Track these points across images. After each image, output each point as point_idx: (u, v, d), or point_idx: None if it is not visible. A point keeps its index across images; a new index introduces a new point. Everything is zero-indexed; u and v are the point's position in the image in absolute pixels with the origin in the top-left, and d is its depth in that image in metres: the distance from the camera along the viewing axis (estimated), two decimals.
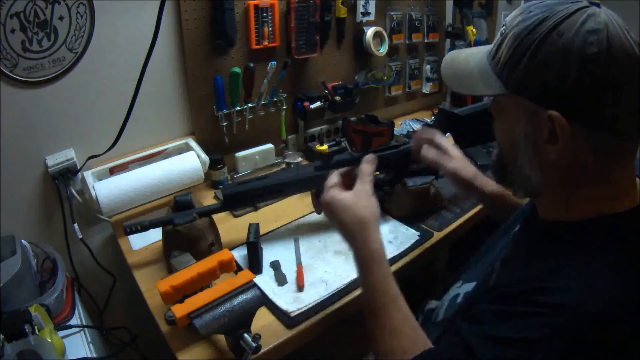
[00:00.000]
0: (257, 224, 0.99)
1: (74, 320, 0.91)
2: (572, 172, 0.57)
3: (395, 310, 0.66)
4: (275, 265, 0.96)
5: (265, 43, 1.29)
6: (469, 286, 0.76)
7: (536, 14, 0.55)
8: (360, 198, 0.72)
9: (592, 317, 0.49)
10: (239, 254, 0.99)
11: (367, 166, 0.77)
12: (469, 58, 0.66)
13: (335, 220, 0.74)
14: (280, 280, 0.92)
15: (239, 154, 1.32)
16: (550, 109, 0.53)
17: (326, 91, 1.45)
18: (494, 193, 0.92)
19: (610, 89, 0.51)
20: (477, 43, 1.70)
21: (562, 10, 0.53)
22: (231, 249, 1.00)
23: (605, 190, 0.58)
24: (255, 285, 0.76)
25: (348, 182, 0.77)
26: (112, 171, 1.17)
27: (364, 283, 0.70)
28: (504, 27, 0.59)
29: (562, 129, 0.53)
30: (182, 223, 0.91)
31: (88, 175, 1.11)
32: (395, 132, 1.52)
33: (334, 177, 0.78)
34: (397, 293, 0.68)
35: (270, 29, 1.28)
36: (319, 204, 0.83)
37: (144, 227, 0.94)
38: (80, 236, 1.13)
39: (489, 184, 0.93)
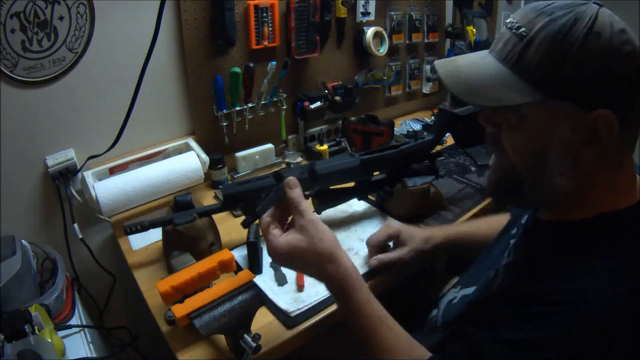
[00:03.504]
0: (257, 224, 0.99)
1: (74, 320, 0.91)
2: (599, 169, 0.57)
3: (386, 330, 0.64)
4: (275, 266, 0.96)
5: (265, 43, 1.29)
6: (467, 290, 0.76)
7: (563, 16, 0.53)
8: (311, 232, 0.64)
9: (607, 314, 0.49)
10: (239, 254, 0.99)
11: (295, 192, 0.66)
12: (476, 66, 0.60)
13: (297, 266, 0.68)
14: (280, 280, 0.92)
15: (239, 154, 1.32)
16: (593, 109, 0.53)
17: (326, 91, 1.45)
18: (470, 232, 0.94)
19: None
20: (477, 43, 1.70)
21: (588, 11, 0.53)
22: (231, 249, 1.00)
23: (615, 184, 0.58)
24: (255, 285, 0.76)
25: (280, 215, 0.69)
26: (112, 171, 1.17)
27: (348, 311, 0.66)
28: (522, 29, 0.55)
29: (609, 127, 0.53)
30: (182, 223, 0.91)
31: (88, 175, 1.11)
32: (395, 132, 1.52)
33: (267, 219, 0.67)
34: (383, 312, 0.66)
35: (270, 29, 1.28)
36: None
37: (144, 227, 0.94)
38: (80, 236, 1.13)
39: (458, 229, 0.95)
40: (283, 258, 0.66)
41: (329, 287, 0.68)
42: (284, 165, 1.38)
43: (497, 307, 0.57)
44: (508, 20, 0.59)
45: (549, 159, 0.57)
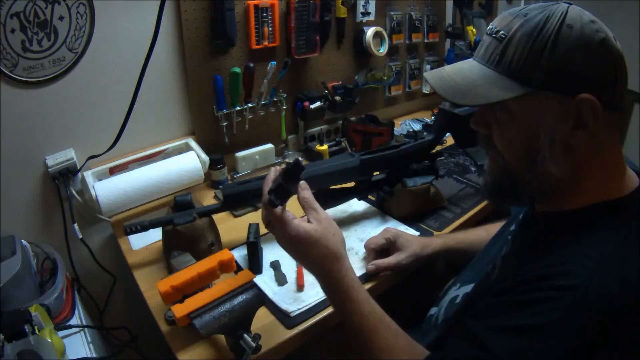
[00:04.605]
0: (257, 224, 0.99)
1: (74, 320, 0.91)
2: (590, 155, 0.58)
3: (385, 329, 0.65)
4: (275, 265, 0.96)
5: (265, 43, 1.29)
6: (467, 288, 0.76)
7: (537, 15, 0.57)
8: (325, 225, 0.68)
9: (604, 298, 0.49)
10: (239, 254, 0.99)
11: (307, 192, 0.71)
12: (462, 71, 0.63)
13: (300, 254, 0.69)
14: (280, 280, 0.92)
15: (239, 154, 1.32)
16: (575, 95, 0.55)
17: (326, 91, 1.45)
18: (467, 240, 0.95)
19: (617, 67, 0.56)
20: (477, 43, 1.69)
21: (559, 9, 0.57)
22: (231, 249, 1.00)
23: (606, 172, 0.59)
24: (255, 285, 0.76)
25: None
26: (112, 171, 1.17)
27: (346, 312, 0.67)
28: (501, 32, 0.59)
29: (594, 110, 0.55)
30: (182, 223, 0.91)
31: (88, 175, 1.11)
32: (395, 132, 1.52)
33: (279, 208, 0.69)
34: (381, 312, 0.67)
35: (270, 29, 1.28)
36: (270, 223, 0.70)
37: (144, 227, 0.94)
38: (80, 236, 1.13)
39: (454, 237, 0.97)
40: (291, 241, 0.67)
41: (327, 284, 0.68)
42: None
43: (495, 297, 0.58)
44: (488, 28, 0.62)
45: (540, 150, 0.59)
